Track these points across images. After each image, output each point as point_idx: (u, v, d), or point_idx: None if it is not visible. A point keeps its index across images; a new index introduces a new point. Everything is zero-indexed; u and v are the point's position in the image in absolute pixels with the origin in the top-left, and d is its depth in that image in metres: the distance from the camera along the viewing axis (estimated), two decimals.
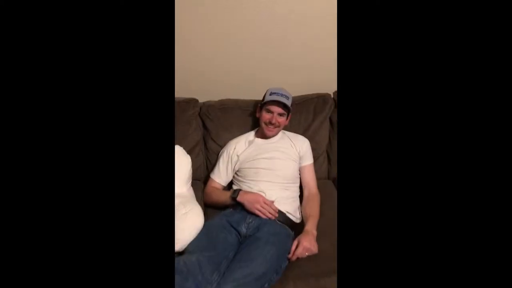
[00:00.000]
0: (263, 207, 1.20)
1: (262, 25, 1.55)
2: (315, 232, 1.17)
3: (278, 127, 1.36)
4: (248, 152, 1.39)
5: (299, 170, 1.41)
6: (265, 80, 1.55)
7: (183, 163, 1.32)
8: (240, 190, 1.29)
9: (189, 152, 1.41)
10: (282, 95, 1.34)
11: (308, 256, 1.10)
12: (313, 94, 1.58)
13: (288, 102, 1.35)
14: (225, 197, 1.30)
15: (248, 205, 1.22)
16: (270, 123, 1.34)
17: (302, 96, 1.58)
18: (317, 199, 1.34)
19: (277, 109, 1.33)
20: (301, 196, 1.37)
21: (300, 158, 1.41)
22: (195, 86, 1.61)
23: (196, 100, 1.54)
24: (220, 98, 1.59)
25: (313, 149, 1.48)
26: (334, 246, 1.00)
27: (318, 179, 1.51)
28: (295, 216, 1.28)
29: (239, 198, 1.25)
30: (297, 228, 1.23)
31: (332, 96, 1.59)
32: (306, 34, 1.58)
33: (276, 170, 1.33)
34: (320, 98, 1.56)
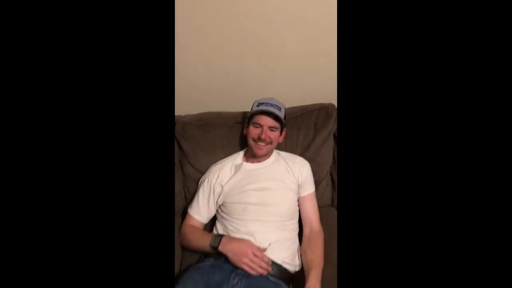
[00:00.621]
0: (252, 261, 0.93)
1: (252, 23, 1.27)
2: (319, 279, 0.93)
3: (270, 143, 1.10)
4: (235, 182, 1.11)
5: (298, 201, 1.14)
6: (256, 88, 1.31)
7: None
8: (222, 236, 1.01)
9: None
10: (272, 105, 1.10)
11: None
12: (313, 105, 1.30)
13: (281, 114, 1.11)
14: (204, 242, 1.02)
15: (233, 258, 0.95)
16: (260, 139, 1.08)
17: (300, 107, 1.31)
18: (321, 239, 1.07)
19: (267, 122, 1.08)
20: (300, 232, 1.11)
21: (300, 186, 1.14)
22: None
23: None
24: (199, 111, 1.31)
25: (315, 173, 1.22)
26: (334, 269, 0.79)
27: (320, 207, 1.23)
28: (293, 265, 1.02)
29: (221, 248, 0.97)
30: (296, 280, 0.99)
31: (337, 106, 1.31)
32: (305, 35, 1.30)
33: (269, 206, 1.06)
34: (323, 110, 1.28)
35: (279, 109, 1.11)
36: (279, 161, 1.17)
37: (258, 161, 1.15)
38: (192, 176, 1.24)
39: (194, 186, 1.22)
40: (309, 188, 1.15)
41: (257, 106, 1.12)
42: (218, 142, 1.24)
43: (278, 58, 1.35)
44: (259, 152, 1.10)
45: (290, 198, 1.10)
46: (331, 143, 1.28)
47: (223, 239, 0.99)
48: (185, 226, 1.12)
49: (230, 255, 0.96)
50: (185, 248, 1.10)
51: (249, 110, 1.18)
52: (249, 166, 1.15)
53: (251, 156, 1.15)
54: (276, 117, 1.08)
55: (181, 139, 1.23)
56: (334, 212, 1.27)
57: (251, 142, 1.11)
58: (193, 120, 1.25)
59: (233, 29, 1.27)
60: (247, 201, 1.06)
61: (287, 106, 1.24)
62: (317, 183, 1.24)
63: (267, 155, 1.15)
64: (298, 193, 1.14)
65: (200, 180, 1.18)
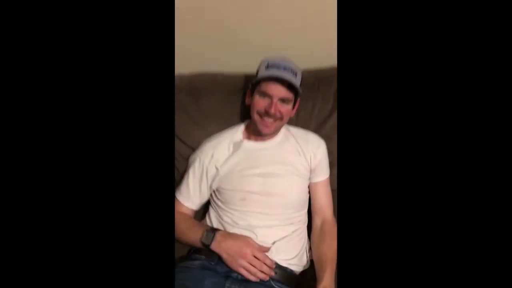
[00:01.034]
0: (252, 264, 0.79)
1: None
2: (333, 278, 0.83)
3: (279, 119, 0.90)
4: (233, 163, 0.93)
5: (309, 188, 0.97)
6: (261, 44, 1.09)
7: None
8: (215, 231, 0.85)
9: None
10: (285, 68, 0.89)
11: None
12: (332, 68, 1.07)
13: (296, 81, 0.90)
14: (194, 236, 0.87)
15: (228, 259, 0.81)
16: (267, 113, 0.87)
17: (316, 71, 1.09)
18: (334, 232, 0.92)
19: (278, 92, 0.87)
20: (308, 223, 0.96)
21: (312, 171, 0.96)
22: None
23: None
24: (191, 71, 1.10)
25: (330, 152, 1.03)
26: None
27: (334, 190, 1.06)
28: (300, 265, 0.89)
29: (214, 247, 0.82)
30: (302, 279, 0.87)
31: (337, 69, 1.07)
32: None
33: (275, 196, 0.90)
34: None
35: (295, 74, 0.89)
36: (288, 139, 0.97)
37: (263, 139, 0.95)
38: (181, 153, 1.06)
39: (185, 165, 1.04)
40: (324, 174, 0.97)
41: (266, 68, 0.89)
42: (213, 113, 1.06)
43: (287, 6, 1.10)
44: (265, 130, 0.90)
45: (299, 186, 0.93)
46: None
47: (217, 236, 0.83)
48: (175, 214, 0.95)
49: (224, 256, 0.81)
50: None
51: (253, 71, 0.95)
52: (251, 144, 0.95)
53: (254, 132, 0.95)
54: (290, 86, 0.86)
55: None
56: None
57: (255, 116, 0.90)
58: (182, 84, 1.04)
59: None
60: (248, 189, 0.89)
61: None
62: (332, 164, 1.05)
63: (275, 133, 0.95)
64: (310, 178, 0.96)
65: (190, 158, 1.00)
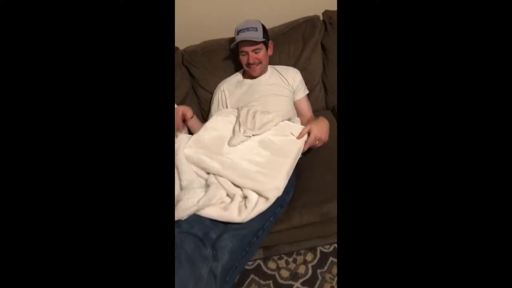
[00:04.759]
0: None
1: None
2: (326, 121, 1.14)
3: (260, 63, 1.27)
4: (239, 94, 1.33)
5: (295, 105, 1.36)
6: (245, 13, 1.39)
7: None
8: None
9: (180, 104, 1.36)
10: (247, 29, 1.20)
11: (311, 186, 1.11)
12: (300, 19, 1.44)
13: (258, 34, 1.21)
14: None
15: None
16: (249, 64, 1.25)
17: (288, 23, 1.44)
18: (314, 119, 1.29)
19: (248, 48, 1.22)
20: None
21: (294, 92, 1.36)
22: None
23: (176, 48, 1.45)
24: (201, 41, 1.47)
25: (307, 81, 1.42)
26: (334, 175, 1.01)
27: (316, 110, 1.47)
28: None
29: None
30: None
31: (321, 17, 1.45)
32: None
33: (271, 110, 1.26)
34: (309, 22, 1.43)
35: (255, 29, 1.20)
36: (274, 74, 1.36)
37: (256, 78, 1.34)
38: (205, 97, 1.47)
39: (208, 106, 1.46)
40: (302, 92, 1.37)
41: (236, 34, 1.21)
42: (221, 65, 1.43)
43: None
44: (254, 74, 1.29)
45: (287, 103, 1.31)
46: (319, 52, 1.46)
47: None
48: None
49: None
50: None
51: None
52: (248, 82, 1.35)
53: (249, 75, 1.33)
54: (254, 41, 1.19)
55: (190, 67, 1.43)
56: (329, 115, 1.49)
57: (245, 67, 1.28)
58: (197, 49, 1.43)
59: None
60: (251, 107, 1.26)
61: (278, 23, 1.40)
62: (310, 90, 1.44)
63: (263, 72, 1.33)
64: (294, 98, 1.35)
65: (211, 100, 1.41)
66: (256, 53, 1.24)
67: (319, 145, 1.14)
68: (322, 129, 1.11)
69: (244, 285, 1.23)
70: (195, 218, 0.90)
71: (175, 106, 1.19)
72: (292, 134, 1.13)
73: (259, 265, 1.28)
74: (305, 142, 1.10)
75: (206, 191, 0.96)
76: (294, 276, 1.23)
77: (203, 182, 1.03)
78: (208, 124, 1.18)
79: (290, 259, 1.29)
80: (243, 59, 1.27)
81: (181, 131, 1.17)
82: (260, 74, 1.33)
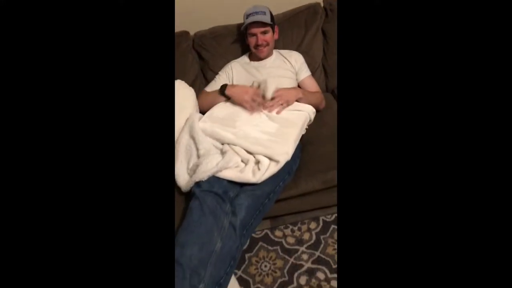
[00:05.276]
0: (253, 99, 1.19)
1: None
2: (299, 91, 1.27)
3: (267, 45, 1.36)
4: (246, 75, 1.41)
5: (300, 85, 1.45)
6: (251, 1, 1.46)
7: (188, 96, 1.32)
8: (227, 85, 1.28)
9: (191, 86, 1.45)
10: (256, 12, 1.30)
11: (316, 156, 1.21)
12: (302, 6, 1.54)
13: (266, 17, 1.31)
14: (215, 93, 1.30)
15: (236, 97, 1.22)
16: (257, 45, 1.35)
17: (291, 10, 1.54)
18: (319, 94, 1.41)
19: (257, 30, 1.31)
20: None
21: (297, 73, 1.45)
22: (181, 18, 1.57)
23: (187, 33, 1.54)
24: (209, 27, 1.56)
25: (308, 64, 1.51)
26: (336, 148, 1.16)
27: None
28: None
29: (227, 91, 1.25)
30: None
31: (322, 4, 1.56)
32: None
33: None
34: (311, 9, 1.53)
35: (264, 13, 1.30)
36: (278, 58, 1.45)
37: (262, 60, 1.43)
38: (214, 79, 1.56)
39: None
40: (305, 72, 1.46)
41: (246, 18, 1.31)
42: (229, 49, 1.52)
43: None
44: (262, 55, 1.38)
45: (290, 83, 1.41)
46: (320, 37, 1.56)
47: (228, 86, 1.26)
48: (201, 93, 1.39)
49: (234, 95, 1.21)
50: (203, 109, 1.33)
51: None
52: (255, 64, 1.44)
53: (256, 58, 1.43)
54: (263, 23, 1.29)
55: (201, 50, 1.52)
56: (328, 96, 1.59)
57: (253, 49, 1.37)
58: (207, 33, 1.52)
59: None
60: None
61: (281, 11, 1.49)
62: (312, 73, 1.53)
63: (269, 54, 1.42)
64: (297, 79, 1.44)
65: (217, 73, 1.47)
66: (264, 34, 1.33)
67: (285, 105, 1.24)
68: (288, 93, 1.24)
69: (254, 251, 1.32)
70: (215, 179, 1.00)
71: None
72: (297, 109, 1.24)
73: (266, 234, 1.38)
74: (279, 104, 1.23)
75: (223, 156, 1.06)
76: (300, 241, 1.32)
77: (219, 151, 1.12)
78: (220, 103, 1.28)
79: (295, 228, 1.38)
80: (252, 41, 1.35)
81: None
82: (267, 56, 1.42)
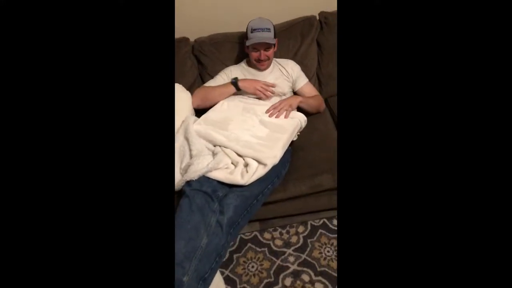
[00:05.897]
0: (263, 88, 1.34)
1: None
2: (299, 96, 1.39)
3: (268, 59, 1.41)
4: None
5: (299, 93, 1.49)
6: (249, 11, 1.53)
7: (184, 99, 1.38)
8: (237, 78, 1.37)
9: (187, 90, 1.48)
10: (263, 29, 1.33)
11: (305, 162, 1.26)
12: (298, 18, 1.60)
13: (271, 35, 1.35)
14: (225, 85, 1.38)
15: (247, 87, 1.35)
16: (260, 60, 1.39)
17: (289, 21, 1.60)
18: (318, 97, 1.49)
19: (262, 46, 1.35)
20: None
21: (295, 81, 1.49)
22: (182, 25, 1.63)
23: (187, 39, 1.60)
24: (209, 34, 1.62)
25: (304, 73, 1.57)
26: (327, 154, 1.21)
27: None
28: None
29: (239, 83, 1.36)
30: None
31: (317, 17, 1.62)
32: None
33: (273, 96, 1.43)
34: (306, 21, 1.60)
35: (269, 30, 1.34)
36: (275, 67, 1.50)
37: (260, 70, 1.47)
38: None
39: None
40: (303, 80, 1.50)
41: (251, 32, 1.32)
42: (228, 55, 1.58)
43: None
44: (262, 68, 1.43)
45: (288, 90, 1.47)
46: (315, 48, 1.62)
47: (239, 79, 1.37)
48: (201, 88, 1.43)
49: (245, 85, 1.34)
50: (204, 103, 1.39)
51: (244, 30, 1.41)
52: (253, 71, 1.48)
53: (255, 67, 1.46)
54: (268, 43, 1.33)
55: (200, 55, 1.58)
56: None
57: (254, 62, 1.41)
58: (206, 40, 1.58)
59: None
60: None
61: (279, 22, 1.55)
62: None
63: (268, 66, 1.46)
64: (296, 87, 1.49)
65: (215, 75, 1.50)
66: (267, 50, 1.38)
67: (289, 110, 1.34)
68: (290, 98, 1.38)
69: (242, 252, 1.36)
70: (205, 179, 1.05)
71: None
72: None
73: (255, 235, 1.41)
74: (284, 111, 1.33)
75: (214, 158, 1.11)
76: (287, 244, 1.36)
77: (211, 152, 1.17)
78: (216, 107, 1.33)
79: (284, 231, 1.42)
80: (254, 55, 1.38)
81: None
82: (266, 69, 1.47)
